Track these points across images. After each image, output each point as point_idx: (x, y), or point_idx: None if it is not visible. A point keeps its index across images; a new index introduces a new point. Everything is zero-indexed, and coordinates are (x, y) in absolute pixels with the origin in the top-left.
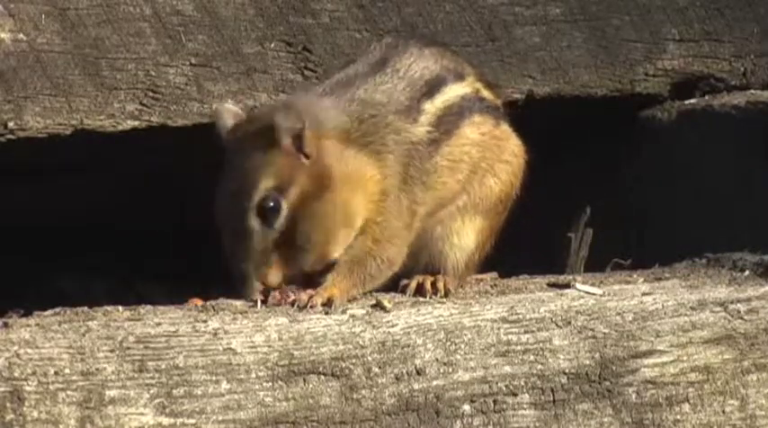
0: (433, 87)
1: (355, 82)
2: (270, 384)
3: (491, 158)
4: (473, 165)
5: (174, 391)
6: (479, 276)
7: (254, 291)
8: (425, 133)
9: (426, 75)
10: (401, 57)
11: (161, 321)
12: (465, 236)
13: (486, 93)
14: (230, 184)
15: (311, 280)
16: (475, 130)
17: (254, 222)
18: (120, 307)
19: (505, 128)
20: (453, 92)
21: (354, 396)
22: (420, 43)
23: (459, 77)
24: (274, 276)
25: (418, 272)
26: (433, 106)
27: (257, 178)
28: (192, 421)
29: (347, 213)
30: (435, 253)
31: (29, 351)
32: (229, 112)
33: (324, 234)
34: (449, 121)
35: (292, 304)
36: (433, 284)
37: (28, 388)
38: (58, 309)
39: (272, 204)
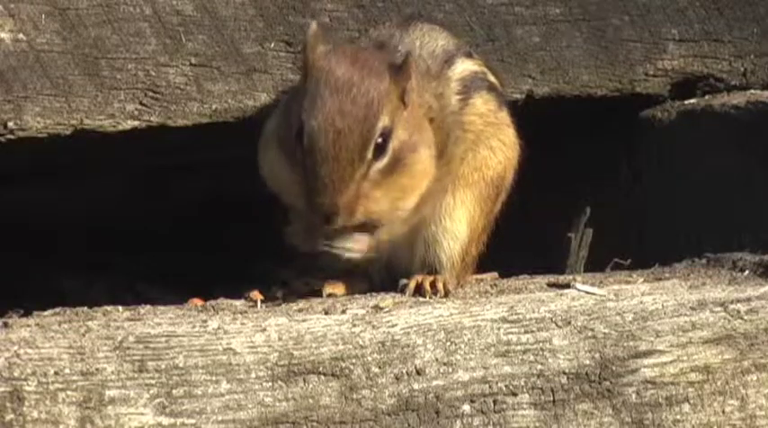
0: (449, 58)
1: (392, 40)
2: (270, 384)
3: (490, 133)
4: (476, 137)
5: (174, 391)
6: (479, 276)
7: (338, 223)
8: (457, 101)
9: (443, 46)
10: (414, 30)
11: (161, 321)
12: (457, 221)
13: (491, 78)
14: (346, 107)
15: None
16: (483, 104)
17: (369, 153)
18: (120, 307)
19: (504, 115)
20: (466, 65)
21: (354, 396)
22: (428, 22)
23: (469, 55)
24: (359, 213)
25: (416, 269)
26: (454, 74)
27: (378, 112)
28: (191, 421)
29: (423, 174)
30: (429, 239)
31: (29, 351)
32: (319, 36)
33: (401, 187)
34: (464, 91)
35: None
36: (433, 284)
37: (28, 388)
38: (57, 309)
39: (381, 141)
